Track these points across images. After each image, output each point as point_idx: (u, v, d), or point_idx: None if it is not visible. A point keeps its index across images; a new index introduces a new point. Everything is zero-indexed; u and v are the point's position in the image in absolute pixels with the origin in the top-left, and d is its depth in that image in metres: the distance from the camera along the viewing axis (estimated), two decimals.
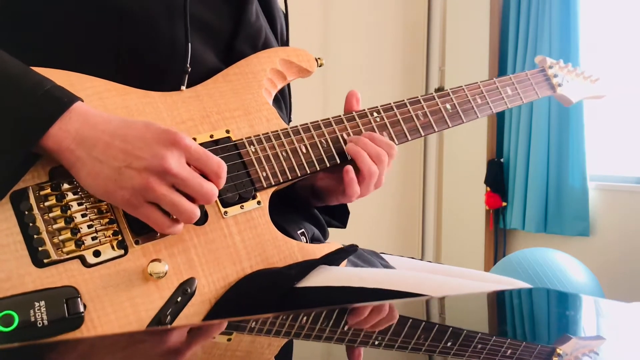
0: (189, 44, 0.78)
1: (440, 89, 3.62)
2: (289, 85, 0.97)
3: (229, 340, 0.52)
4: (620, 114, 2.97)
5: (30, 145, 0.63)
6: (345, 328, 0.57)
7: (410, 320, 0.63)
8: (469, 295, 0.73)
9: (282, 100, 0.94)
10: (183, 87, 0.78)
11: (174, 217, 0.68)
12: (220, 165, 0.69)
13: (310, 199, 0.95)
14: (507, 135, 3.27)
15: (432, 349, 0.52)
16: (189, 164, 0.68)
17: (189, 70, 0.78)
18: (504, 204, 3.26)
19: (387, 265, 0.95)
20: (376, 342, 0.53)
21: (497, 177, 3.27)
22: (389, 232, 3.42)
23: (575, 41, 2.96)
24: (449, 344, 0.53)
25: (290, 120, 0.99)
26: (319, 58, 0.91)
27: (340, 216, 1.00)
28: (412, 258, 1.03)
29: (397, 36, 3.46)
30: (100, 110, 0.68)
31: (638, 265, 2.82)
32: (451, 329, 0.59)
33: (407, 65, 3.49)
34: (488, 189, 3.28)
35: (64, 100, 0.65)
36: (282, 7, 1.01)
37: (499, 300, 0.74)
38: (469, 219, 3.43)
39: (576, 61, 2.93)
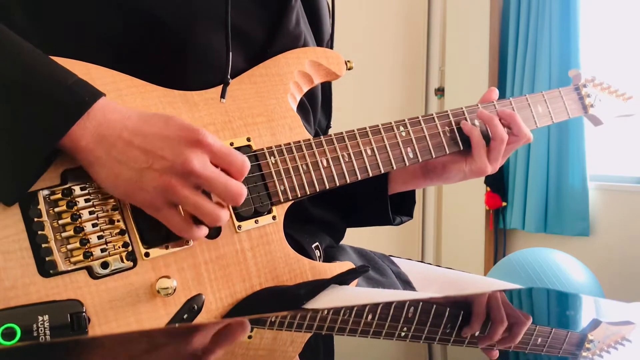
0: (230, 54, 0.75)
1: (440, 89, 3.64)
2: (330, 87, 0.94)
3: (249, 337, 0.50)
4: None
5: (50, 146, 0.61)
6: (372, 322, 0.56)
7: (435, 305, 0.62)
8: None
9: (309, 104, 0.90)
10: (223, 100, 0.75)
11: (200, 219, 0.65)
12: (244, 164, 0.66)
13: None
14: None
15: (462, 338, 0.51)
16: (212, 163, 0.65)
17: (229, 82, 0.75)
18: (504, 204, 3.26)
19: (398, 272, 0.94)
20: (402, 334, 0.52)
21: (497, 177, 3.26)
22: (389, 231, 3.41)
23: (575, 41, 2.95)
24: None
25: (328, 124, 0.96)
26: (348, 61, 0.88)
27: (408, 206, 0.99)
28: (422, 262, 1.03)
29: (397, 36, 3.46)
30: (120, 105, 0.65)
31: (638, 265, 2.82)
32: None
33: (407, 65, 3.49)
34: (488, 189, 3.28)
35: (86, 99, 0.62)
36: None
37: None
38: (469, 219, 3.43)
39: (576, 61, 2.93)
